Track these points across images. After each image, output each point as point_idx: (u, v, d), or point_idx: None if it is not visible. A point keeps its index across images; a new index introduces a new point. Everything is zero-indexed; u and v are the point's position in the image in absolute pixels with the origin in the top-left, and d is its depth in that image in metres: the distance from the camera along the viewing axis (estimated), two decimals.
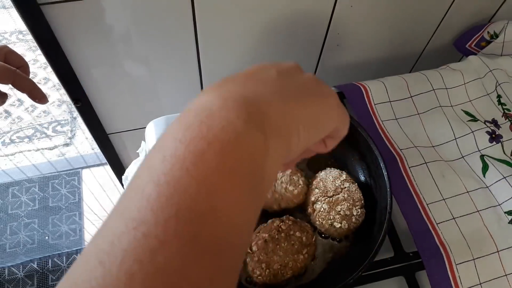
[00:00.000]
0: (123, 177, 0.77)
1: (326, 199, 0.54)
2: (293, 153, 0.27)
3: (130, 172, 0.75)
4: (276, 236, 0.50)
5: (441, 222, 0.56)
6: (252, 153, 0.23)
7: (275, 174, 0.26)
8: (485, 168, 0.61)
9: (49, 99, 0.51)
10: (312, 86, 0.29)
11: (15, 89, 0.49)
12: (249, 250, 0.51)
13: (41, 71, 1.66)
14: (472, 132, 0.64)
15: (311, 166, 0.60)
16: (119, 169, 0.97)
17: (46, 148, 1.55)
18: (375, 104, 0.66)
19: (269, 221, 0.53)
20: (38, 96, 0.50)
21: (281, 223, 0.52)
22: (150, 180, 0.20)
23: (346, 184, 0.55)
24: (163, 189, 0.20)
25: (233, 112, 0.23)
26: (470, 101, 0.69)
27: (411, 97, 0.67)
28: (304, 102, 0.27)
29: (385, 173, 0.53)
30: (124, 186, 0.75)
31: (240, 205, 0.21)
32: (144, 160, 0.23)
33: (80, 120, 0.80)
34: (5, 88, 0.51)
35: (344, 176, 0.55)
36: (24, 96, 0.50)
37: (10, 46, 0.50)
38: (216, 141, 0.21)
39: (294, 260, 0.49)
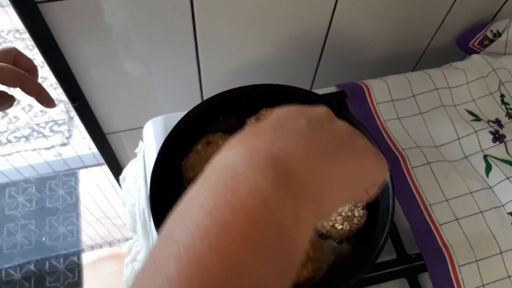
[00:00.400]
0: (120, 177, 0.76)
1: None
2: (326, 214, 0.25)
3: (127, 172, 0.74)
4: None
5: (444, 223, 0.56)
6: (281, 222, 0.21)
7: (306, 243, 0.23)
8: (488, 168, 0.61)
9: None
10: (346, 138, 0.27)
11: (11, 89, 0.48)
12: None
13: (38, 70, 1.65)
14: (475, 132, 0.63)
15: None
16: (116, 169, 0.97)
17: (43, 148, 1.54)
18: (377, 104, 0.65)
19: None
20: (46, 100, 0.49)
21: None
22: (171, 253, 0.19)
23: None
24: (184, 266, 0.18)
25: (260, 173, 0.21)
26: (473, 100, 0.68)
27: (413, 96, 0.67)
28: (337, 159, 0.25)
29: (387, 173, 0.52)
30: (122, 187, 0.75)
31: (269, 284, 0.20)
32: (167, 224, 0.21)
33: (77, 120, 0.80)
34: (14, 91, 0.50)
35: None
36: (21, 96, 0.49)
37: (7, 44, 0.50)
38: (241, 209, 0.20)
39: (297, 274, 0.49)
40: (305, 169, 0.23)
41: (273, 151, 0.23)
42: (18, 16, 0.56)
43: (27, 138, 1.57)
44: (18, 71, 0.47)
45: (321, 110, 0.28)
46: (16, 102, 0.49)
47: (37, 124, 1.59)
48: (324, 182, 0.24)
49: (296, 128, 0.25)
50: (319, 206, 0.24)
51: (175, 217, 0.21)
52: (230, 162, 0.22)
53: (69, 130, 1.58)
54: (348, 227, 0.52)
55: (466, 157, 0.63)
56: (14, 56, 0.48)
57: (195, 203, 0.21)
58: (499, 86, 0.69)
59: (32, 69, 0.51)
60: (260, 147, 0.23)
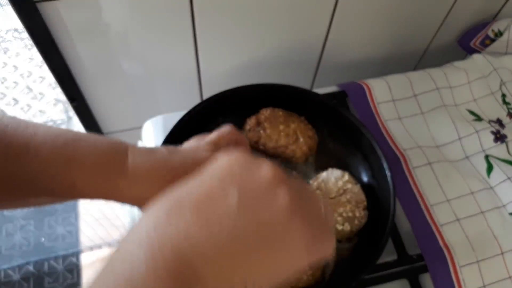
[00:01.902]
0: None
1: (328, 201, 0.53)
2: None
3: None
4: None
5: (445, 224, 0.56)
6: None
7: None
8: (489, 168, 0.61)
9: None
10: (279, 226, 0.24)
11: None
12: None
13: (37, 69, 1.65)
14: (477, 132, 0.63)
15: (313, 167, 0.59)
16: None
17: None
18: (378, 103, 0.65)
19: None
20: None
21: None
22: None
23: (349, 185, 0.54)
24: None
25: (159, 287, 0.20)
26: (475, 100, 0.68)
27: (414, 96, 0.66)
28: (258, 253, 0.23)
29: (388, 174, 0.52)
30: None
31: None
32: None
33: (76, 120, 0.80)
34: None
35: (346, 177, 0.54)
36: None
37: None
38: None
39: (296, 279, 0.48)
40: (215, 271, 0.22)
41: (182, 249, 0.22)
42: (17, 16, 0.56)
43: None
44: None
45: (267, 177, 0.25)
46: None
47: None
48: (237, 281, 0.23)
49: (223, 210, 0.23)
50: None
51: None
52: (131, 261, 0.21)
53: None
54: (349, 228, 0.51)
55: (467, 157, 0.63)
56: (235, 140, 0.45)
57: None
58: (501, 85, 0.69)
59: None
60: (170, 242, 0.22)
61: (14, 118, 0.34)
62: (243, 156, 0.26)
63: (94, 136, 0.36)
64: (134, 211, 0.68)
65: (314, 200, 0.28)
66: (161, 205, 0.24)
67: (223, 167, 0.26)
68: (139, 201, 0.34)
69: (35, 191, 0.34)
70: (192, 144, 0.43)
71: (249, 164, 0.26)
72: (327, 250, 0.27)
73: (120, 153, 0.36)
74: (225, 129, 0.44)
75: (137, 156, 0.36)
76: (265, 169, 0.25)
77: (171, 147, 0.39)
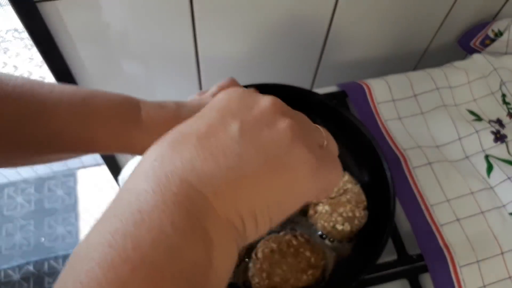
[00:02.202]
0: (119, 177, 0.76)
1: (328, 201, 0.53)
2: (251, 239, 0.24)
3: (126, 173, 0.74)
4: (285, 250, 0.49)
5: (445, 224, 0.56)
6: (191, 272, 0.19)
7: (227, 275, 0.22)
8: (489, 168, 0.61)
9: None
10: (281, 149, 0.23)
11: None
12: (253, 256, 0.50)
13: (37, 69, 1.65)
14: (477, 131, 0.63)
15: None
16: (115, 169, 0.96)
17: None
18: (378, 103, 0.65)
19: (282, 232, 0.52)
20: None
21: (293, 239, 0.50)
22: None
23: (349, 185, 0.54)
24: None
25: (169, 219, 0.19)
26: (475, 100, 0.68)
27: (414, 96, 0.66)
28: (264, 179, 0.23)
29: (388, 174, 0.52)
30: (121, 187, 0.74)
31: None
32: (62, 273, 0.19)
33: None
34: None
35: (346, 177, 0.54)
36: None
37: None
38: (142, 267, 0.18)
39: (296, 278, 0.48)
40: (224, 197, 0.21)
41: (190, 177, 0.21)
42: (17, 15, 0.56)
43: None
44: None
45: (265, 105, 0.25)
46: None
47: None
48: (246, 208, 0.22)
49: (225, 141, 0.23)
50: (239, 234, 0.22)
51: (71, 265, 0.19)
52: (137, 194, 0.20)
53: None
54: (348, 228, 0.51)
55: (467, 157, 0.63)
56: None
57: (93, 253, 0.18)
58: (501, 85, 0.69)
59: None
60: (176, 172, 0.21)
61: (28, 78, 0.34)
62: (241, 90, 0.27)
63: (107, 93, 0.38)
64: None
65: (315, 130, 0.27)
66: (164, 140, 0.24)
67: (221, 101, 0.26)
68: None
69: (55, 148, 0.35)
70: (196, 98, 0.44)
71: (248, 96, 0.26)
72: (334, 178, 0.26)
73: (133, 106, 0.37)
74: (225, 81, 0.45)
75: (148, 109, 0.38)
76: (265, 99, 0.26)
77: (178, 101, 0.40)
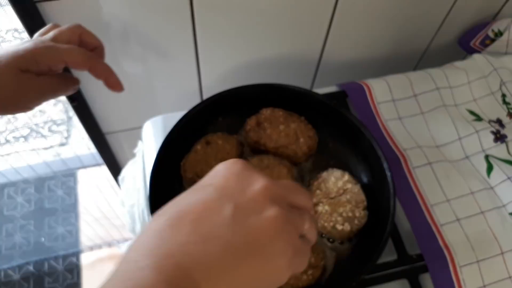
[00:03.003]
0: (119, 177, 0.76)
1: (328, 201, 0.53)
2: None
3: (126, 173, 0.74)
4: None
5: (445, 224, 0.56)
6: None
7: None
8: (489, 168, 0.61)
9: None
10: (265, 239, 0.26)
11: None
12: None
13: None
14: (477, 132, 0.63)
15: (313, 166, 0.59)
16: (115, 170, 0.96)
17: (41, 148, 1.53)
18: (378, 103, 0.65)
19: None
20: (114, 84, 0.48)
21: None
22: None
23: (349, 185, 0.54)
24: None
25: None
26: (475, 100, 0.68)
27: (414, 96, 0.66)
28: (247, 267, 0.26)
29: (388, 174, 0.52)
30: (121, 187, 0.75)
31: None
32: None
33: (76, 120, 0.80)
34: None
35: (346, 177, 0.54)
36: None
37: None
38: None
39: (296, 278, 0.48)
40: (209, 278, 0.24)
41: (181, 262, 0.24)
42: (17, 15, 0.56)
43: (25, 138, 1.56)
44: (87, 53, 0.45)
45: (258, 189, 0.28)
46: None
47: (36, 124, 1.58)
48: (225, 286, 0.25)
49: (217, 226, 0.26)
50: None
51: None
52: (138, 276, 0.23)
53: (68, 130, 1.58)
54: (349, 228, 0.51)
55: (467, 157, 0.63)
56: (80, 35, 0.47)
57: None
58: (501, 85, 0.69)
59: (98, 48, 0.49)
60: (173, 255, 0.24)
61: None
62: (239, 166, 0.29)
63: None
64: (134, 210, 0.68)
65: (299, 216, 0.30)
66: (164, 215, 0.27)
67: (221, 178, 0.28)
68: None
69: None
70: (34, 39, 0.45)
71: (245, 176, 0.28)
72: (302, 266, 0.29)
73: None
74: (69, 26, 0.46)
75: None
76: (259, 182, 0.28)
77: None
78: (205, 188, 0.28)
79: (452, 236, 0.55)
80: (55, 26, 0.48)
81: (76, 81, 0.50)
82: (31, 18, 0.56)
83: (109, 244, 1.38)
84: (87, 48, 0.47)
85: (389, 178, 0.51)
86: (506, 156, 0.62)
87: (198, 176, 0.53)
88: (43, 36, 0.46)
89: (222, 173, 0.29)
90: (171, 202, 0.28)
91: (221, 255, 0.25)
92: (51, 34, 0.46)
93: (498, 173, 0.60)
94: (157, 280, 0.23)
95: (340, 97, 0.66)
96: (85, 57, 0.45)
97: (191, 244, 0.25)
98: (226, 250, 0.25)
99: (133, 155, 0.73)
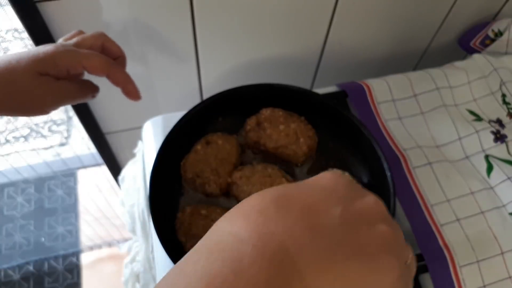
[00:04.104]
0: (119, 177, 0.76)
1: None
2: None
3: (126, 173, 0.74)
4: None
5: (445, 224, 0.56)
6: None
7: None
8: (489, 168, 0.60)
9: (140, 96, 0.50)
10: (375, 251, 0.25)
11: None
12: None
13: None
14: (477, 132, 0.63)
15: (313, 166, 0.59)
16: (115, 170, 0.96)
17: (41, 148, 1.53)
18: (378, 103, 0.65)
19: None
20: (132, 92, 0.49)
21: None
22: None
23: None
24: None
25: (265, 276, 0.21)
26: (475, 100, 0.68)
27: (414, 96, 0.66)
28: (351, 271, 0.24)
29: (388, 174, 0.52)
30: (121, 187, 0.74)
31: None
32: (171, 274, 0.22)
33: (76, 120, 0.80)
34: None
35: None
36: None
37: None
38: None
39: None
40: (314, 276, 0.23)
41: (288, 245, 0.23)
42: (17, 16, 0.56)
43: (26, 138, 1.56)
44: (107, 60, 0.46)
45: (369, 203, 0.27)
46: None
47: (36, 124, 1.58)
48: (326, 280, 0.23)
49: (325, 221, 0.24)
50: None
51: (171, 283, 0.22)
52: (240, 240, 0.22)
53: (68, 130, 1.58)
54: None
55: (467, 157, 0.63)
56: (103, 43, 0.47)
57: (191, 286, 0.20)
58: (501, 85, 0.69)
59: (120, 57, 0.50)
60: (276, 235, 0.23)
61: None
62: (348, 178, 0.29)
63: None
64: (134, 210, 0.68)
65: (405, 246, 0.28)
66: (269, 194, 0.25)
67: (330, 180, 0.27)
68: None
69: None
70: (59, 43, 0.46)
71: (354, 187, 0.28)
72: None
73: None
74: (89, 33, 0.47)
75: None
76: (370, 197, 0.27)
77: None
78: (312, 186, 0.27)
79: (452, 236, 0.55)
80: (80, 32, 0.48)
81: (95, 89, 0.50)
82: (31, 18, 0.56)
83: (109, 244, 1.38)
84: (109, 56, 0.47)
85: (389, 178, 0.51)
86: (506, 156, 0.62)
87: (198, 176, 0.53)
88: (66, 41, 0.46)
89: (332, 177, 0.28)
90: (269, 189, 0.26)
91: (330, 249, 0.23)
92: (74, 40, 0.46)
93: (498, 173, 0.60)
94: (259, 257, 0.22)
95: (340, 97, 0.66)
96: (103, 63, 0.45)
97: (299, 229, 0.23)
98: (337, 246, 0.24)
99: (133, 155, 0.73)
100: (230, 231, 0.23)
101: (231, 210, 0.25)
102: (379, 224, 0.26)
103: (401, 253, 0.27)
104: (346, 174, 0.29)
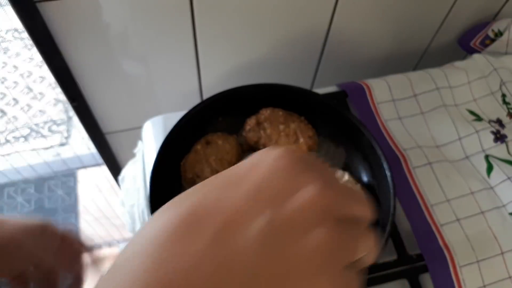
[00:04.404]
0: (119, 177, 0.76)
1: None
2: None
3: (126, 173, 0.74)
4: None
5: (445, 224, 0.56)
6: None
7: None
8: (489, 168, 0.60)
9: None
10: (304, 273, 0.20)
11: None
12: None
13: (37, 69, 1.65)
14: (477, 132, 0.63)
15: None
16: (115, 170, 0.96)
17: (42, 148, 1.54)
18: (378, 103, 0.65)
19: None
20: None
21: None
22: None
23: (349, 185, 0.53)
24: None
25: None
26: (475, 100, 0.68)
27: (414, 96, 0.66)
28: None
29: (388, 174, 0.52)
30: (121, 187, 0.74)
31: None
32: None
33: (76, 120, 0.80)
34: None
35: (346, 177, 0.54)
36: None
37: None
38: None
39: None
40: None
41: (195, 279, 0.19)
42: (17, 16, 0.56)
43: (26, 138, 1.56)
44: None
45: (310, 197, 0.21)
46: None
47: (36, 124, 1.58)
48: None
49: (241, 243, 0.19)
50: None
51: None
52: (135, 272, 0.19)
53: (68, 130, 1.58)
54: None
55: (467, 157, 0.63)
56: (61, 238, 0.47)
57: None
58: (501, 85, 0.69)
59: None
60: (181, 266, 0.19)
61: None
62: (290, 164, 0.22)
63: None
64: (134, 210, 0.68)
65: (355, 238, 0.23)
66: (181, 215, 0.20)
67: (263, 175, 0.22)
68: None
69: None
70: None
71: (293, 177, 0.22)
72: None
73: None
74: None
75: None
76: (310, 189, 0.21)
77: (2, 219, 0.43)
78: (240, 182, 0.21)
79: (452, 236, 0.55)
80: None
81: (79, 282, 0.51)
82: (31, 18, 0.56)
83: (109, 244, 1.38)
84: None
85: (389, 178, 0.51)
86: (506, 156, 0.62)
87: (198, 176, 0.53)
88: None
89: (267, 165, 0.22)
90: (184, 200, 0.22)
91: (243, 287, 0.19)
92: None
93: (498, 173, 0.60)
94: None
95: (340, 97, 0.66)
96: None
97: (208, 264, 0.19)
98: (253, 279, 0.19)
99: (133, 155, 0.73)
100: (132, 267, 0.19)
101: (141, 231, 0.21)
102: (316, 228, 0.20)
103: (343, 257, 0.21)
104: (291, 152, 0.23)
